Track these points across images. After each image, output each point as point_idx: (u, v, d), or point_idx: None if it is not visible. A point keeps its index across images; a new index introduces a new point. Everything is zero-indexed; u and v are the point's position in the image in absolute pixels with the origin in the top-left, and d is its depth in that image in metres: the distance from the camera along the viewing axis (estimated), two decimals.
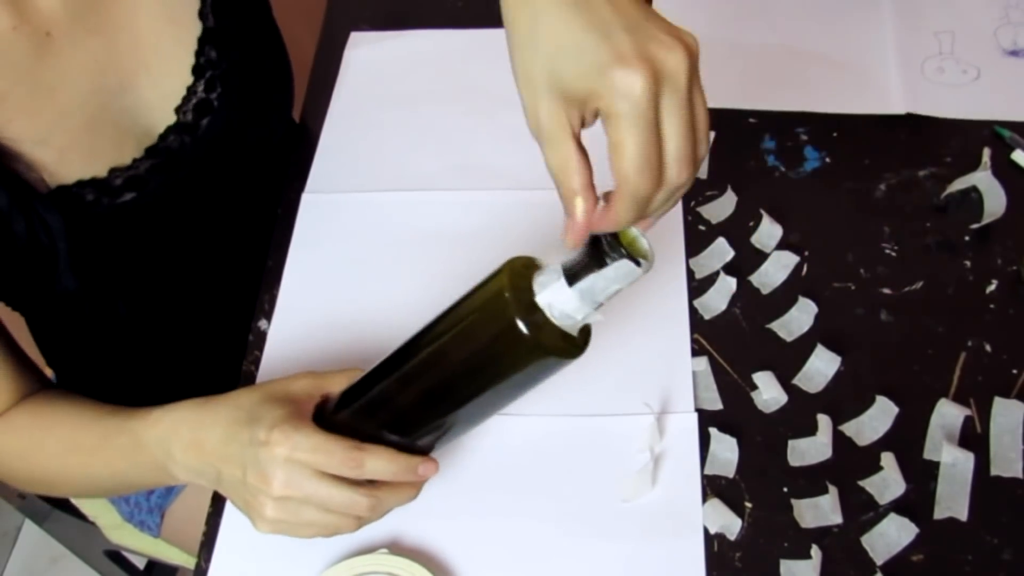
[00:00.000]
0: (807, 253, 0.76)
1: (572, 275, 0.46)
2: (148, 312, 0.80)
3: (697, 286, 0.75)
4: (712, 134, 0.83)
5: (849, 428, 0.67)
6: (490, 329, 0.48)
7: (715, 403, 0.69)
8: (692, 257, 0.76)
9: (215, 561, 0.65)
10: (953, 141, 0.82)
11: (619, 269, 0.45)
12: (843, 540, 0.62)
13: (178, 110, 0.69)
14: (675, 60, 0.44)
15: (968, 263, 0.74)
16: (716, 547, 0.62)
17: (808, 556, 0.61)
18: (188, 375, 0.87)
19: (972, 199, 0.78)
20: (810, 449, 0.66)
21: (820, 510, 0.63)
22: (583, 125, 0.46)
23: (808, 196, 0.80)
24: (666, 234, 0.77)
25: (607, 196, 0.46)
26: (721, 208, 0.79)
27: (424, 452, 0.57)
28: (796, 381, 0.69)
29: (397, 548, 0.64)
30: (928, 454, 0.65)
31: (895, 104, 0.84)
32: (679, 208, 0.79)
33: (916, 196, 0.79)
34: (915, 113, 0.83)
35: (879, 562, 0.61)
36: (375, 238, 0.80)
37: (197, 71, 0.69)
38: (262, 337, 0.76)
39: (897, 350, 0.70)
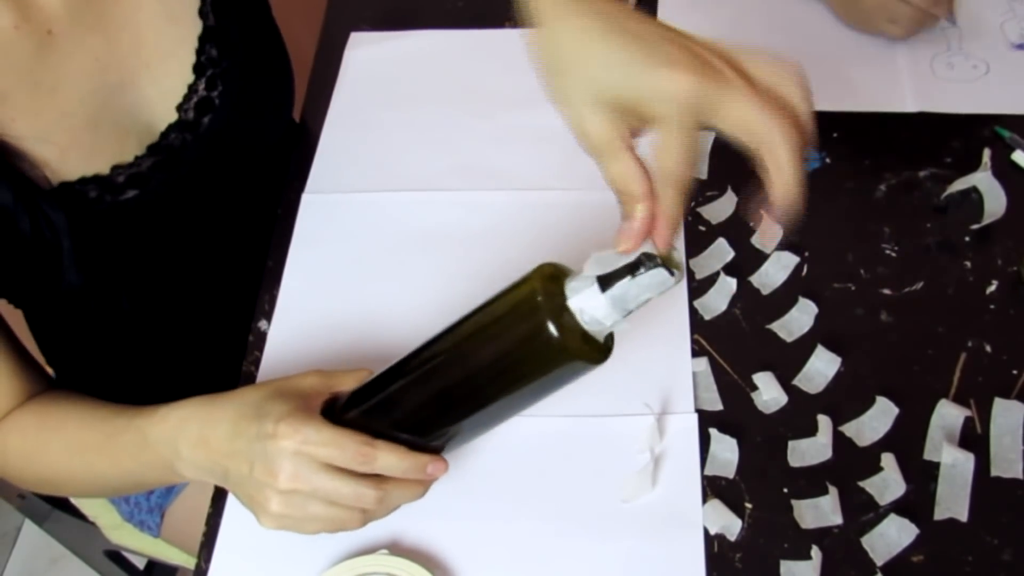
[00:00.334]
0: (807, 253, 0.76)
1: (605, 281, 0.46)
2: (150, 311, 0.80)
3: (697, 286, 0.75)
4: (711, 134, 0.83)
5: (849, 429, 0.67)
6: (520, 331, 0.48)
7: (715, 403, 0.69)
8: (692, 257, 0.76)
9: (215, 561, 0.65)
10: (953, 141, 0.82)
11: (654, 277, 0.46)
12: (843, 541, 0.62)
13: (179, 108, 0.69)
14: (718, 62, 0.46)
15: (968, 263, 0.74)
16: (716, 548, 0.62)
17: (808, 557, 0.61)
18: (189, 375, 0.87)
19: (972, 199, 0.78)
20: (810, 450, 0.66)
21: (820, 511, 0.63)
22: (634, 134, 0.47)
23: (808, 197, 0.79)
24: None
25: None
26: (721, 208, 0.79)
27: (435, 453, 0.57)
28: (796, 382, 0.69)
29: (397, 549, 0.64)
30: (928, 455, 0.65)
31: (907, 102, 0.84)
32: None
33: (916, 196, 0.79)
34: (927, 111, 0.83)
35: (879, 563, 0.61)
36: (375, 238, 0.80)
37: (198, 69, 0.69)
38: (262, 337, 0.76)
39: (897, 351, 0.70)
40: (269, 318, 0.77)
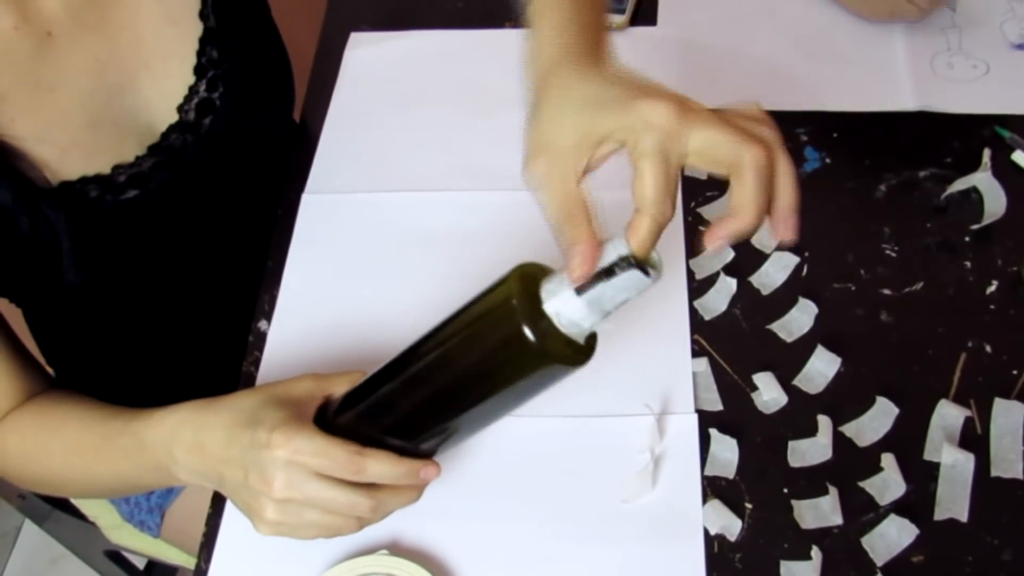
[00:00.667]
0: (807, 254, 0.76)
1: (581, 284, 0.46)
2: (149, 311, 0.80)
3: (697, 287, 0.75)
4: None
5: (849, 429, 0.67)
6: (497, 335, 0.48)
7: (715, 404, 0.69)
8: (692, 258, 0.76)
9: (215, 561, 0.65)
10: (953, 142, 0.82)
11: (628, 279, 0.45)
12: (843, 541, 0.62)
13: (180, 109, 0.69)
14: (692, 103, 0.47)
15: (968, 264, 0.74)
16: (716, 548, 0.62)
17: (808, 557, 0.61)
18: (188, 375, 0.87)
19: (972, 200, 0.78)
20: (810, 450, 0.66)
21: (820, 511, 0.63)
22: (586, 169, 0.49)
23: (808, 196, 0.79)
24: (666, 235, 0.75)
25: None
26: (721, 208, 0.79)
27: (427, 456, 0.57)
28: (796, 382, 0.69)
29: (397, 549, 0.64)
30: (928, 455, 0.65)
31: (907, 101, 0.84)
32: (679, 209, 0.79)
33: (916, 197, 0.79)
34: (927, 111, 0.83)
35: (879, 563, 0.61)
36: (375, 238, 0.80)
37: (199, 70, 0.69)
38: (262, 338, 0.76)
39: (897, 351, 0.70)
40: (269, 318, 0.77)
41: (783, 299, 0.73)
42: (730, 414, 0.68)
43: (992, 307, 0.72)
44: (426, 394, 0.53)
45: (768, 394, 0.68)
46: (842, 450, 0.66)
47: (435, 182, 0.83)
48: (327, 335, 0.75)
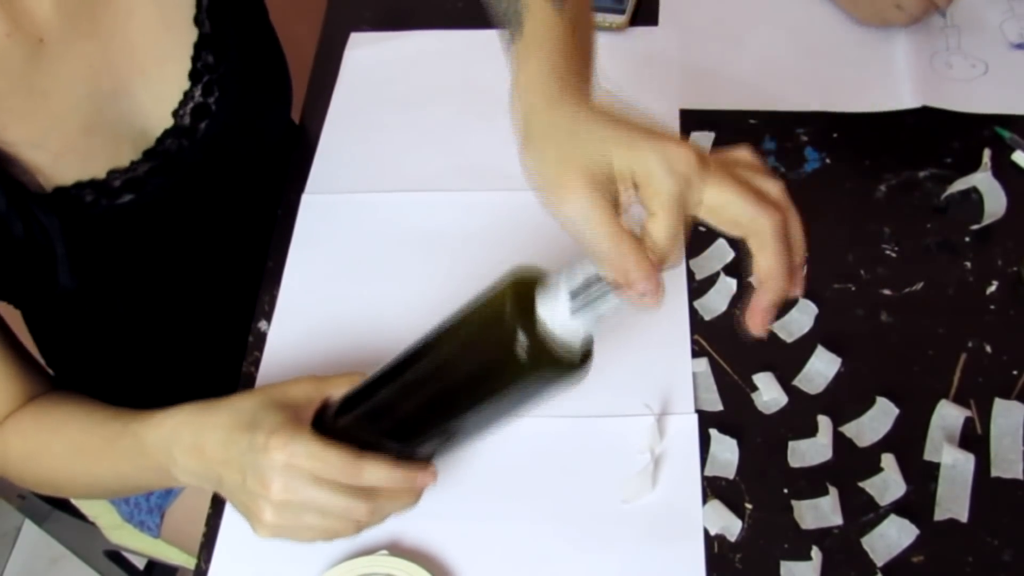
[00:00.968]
0: (807, 254, 0.75)
1: (576, 291, 0.45)
2: (148, 313, 0.80)
3: (697, 287, 0.75)
4: (712, 135, 0.83)
5: (849, 429, 0.67)
6: (491, 343, 0.47)
7: (715, 404, 0.69)
8: (692, 258, 0.76)
9: (215, 562, 0.65)
10: (953, 141, 0.82)
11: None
12: (843, 541, 0.62)
13: (175, 114, 0.69)
14: (697, 147, 0.47)
15: (968, 264, 0.74)
16: (716, 548, 0.62)
17: (808, 557, 0.61)
18: (188, 376, 0.87)
19: (972, 200, 0.78)
20: (810, 450, 0.66)
21: (820, 511, 0.63)
22: (617, 209, 0.48)
23: (808, 197, 0.79)
24: None
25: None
26: None
27: (425, 460, 0.57)
28: (796, 382, 0.69)
29: (397, 549, 0.64)
30: (928, 455, 0.65)
31: (906, 100, 0.84)
32: None
33: (916, 197, 0.79)
34: (928, 107, 0.83)
35: (879, 563, 0.61)
36: (375, 239, 0.80)
37: (194, 75, 0.69)
38: (262, 338, 0.76)
39: (897, 351, 0.70)
40: (269, 319, 0.77)
41: None
42: (730, 414, 0.68)
43: (992, 307, 0.72)
44: (422, 399, 0.53)
45: (768, 394, 0.68)
46: (842, 450, 0.66)
47: (435, 182, 0.83)
48: (327, 335, 0.75)
